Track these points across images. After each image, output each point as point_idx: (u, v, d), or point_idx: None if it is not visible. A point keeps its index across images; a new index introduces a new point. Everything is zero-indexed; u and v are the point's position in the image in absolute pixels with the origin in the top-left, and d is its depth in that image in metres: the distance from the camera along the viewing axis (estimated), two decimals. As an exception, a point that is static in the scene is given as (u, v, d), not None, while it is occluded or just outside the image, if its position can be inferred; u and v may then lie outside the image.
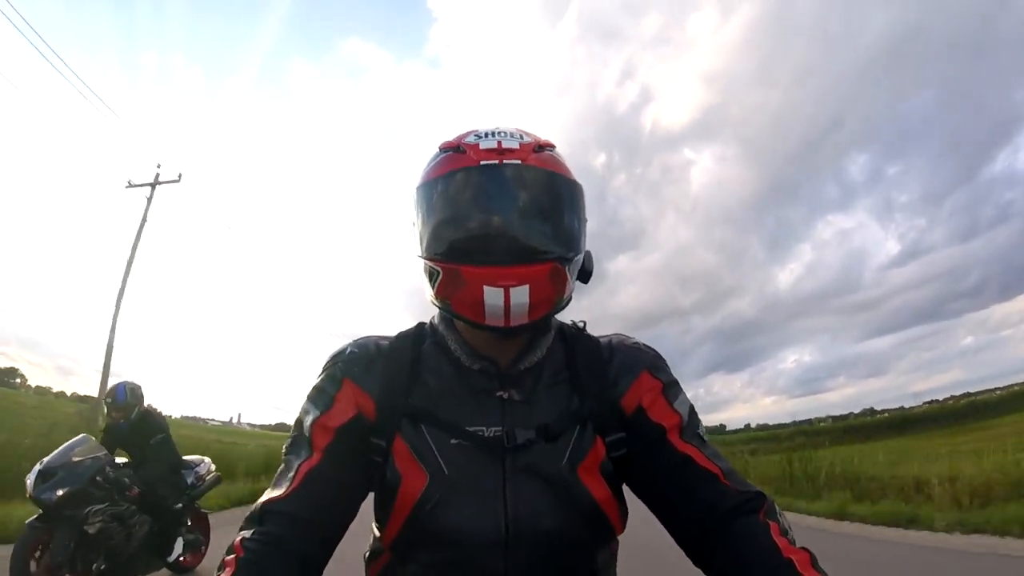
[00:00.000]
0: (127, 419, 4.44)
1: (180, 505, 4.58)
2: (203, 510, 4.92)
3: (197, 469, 4.82)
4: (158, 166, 16.15)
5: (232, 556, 0.68)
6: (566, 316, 0.84)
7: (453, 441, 0.75)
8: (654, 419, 0.78)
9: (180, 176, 16.20)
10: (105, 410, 4.49)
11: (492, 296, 0.71)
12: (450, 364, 0.81)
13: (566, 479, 0.74)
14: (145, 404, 4.57)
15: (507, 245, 0.72)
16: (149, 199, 15.84)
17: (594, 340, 0.85)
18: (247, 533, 0.70)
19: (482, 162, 0.73)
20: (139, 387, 4.54)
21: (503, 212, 0.73)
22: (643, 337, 0.87)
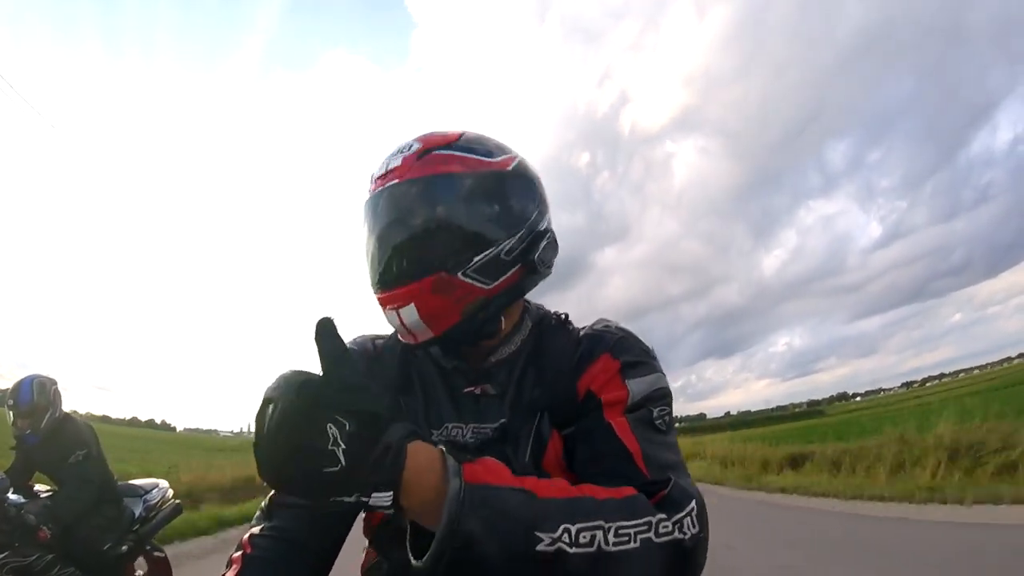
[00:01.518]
0: (36, 429, 3.13)
1: (124, 548, 3.36)
2: (158, 553, 3.67)
3: (147, 497, 3.56)
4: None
5: (239, 553, 0.69)
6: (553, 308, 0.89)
7: (435, 439, 0.76)
8: (597, 394, 0.75)
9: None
10: (10, 417, 3.21)
11: (391, 319, 0.75)
12: (431, 364, 0.83)
13: (529, 475, 0.68)
14: (63, 409, 3.25)
15: (388, 268, 0.74)
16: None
17: (568, 330, 0.85)
18: (256, 529, 0.72)
19: (370, 193, 0.77)
20: (53, 383, 3.22)
21: (381, 237, 0.75)
22: (632, 328, 0.83)
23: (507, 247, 0.74)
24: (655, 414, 0.73)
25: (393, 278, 0.73)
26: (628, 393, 0.73)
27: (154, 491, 3.64)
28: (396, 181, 0.73)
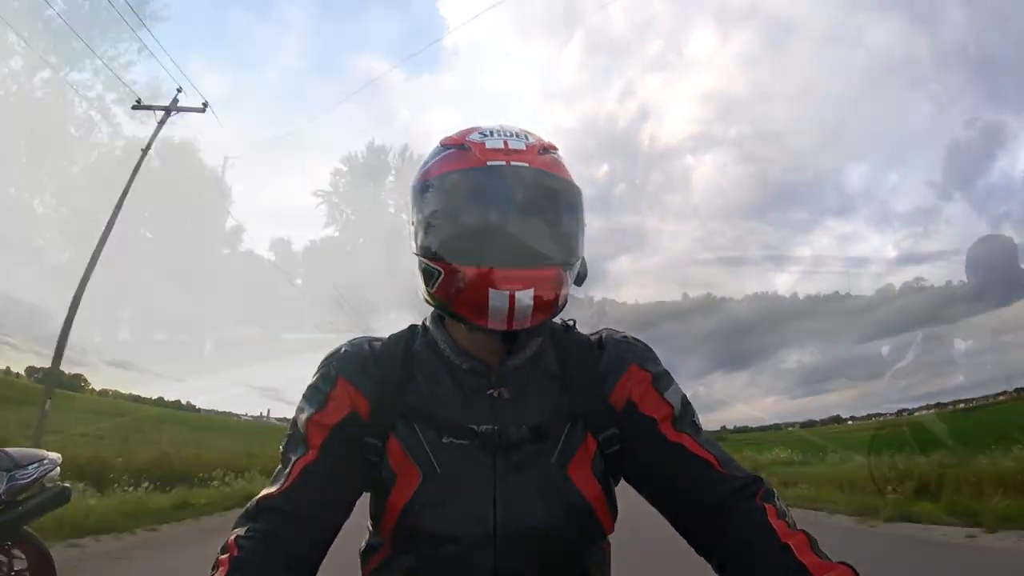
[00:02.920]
0: None
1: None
2: (33, 542, 2.89)
3: (17, 472, 2.77)
4: (178, 89, 13.50)
5: (226, 555, 0.69)
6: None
7: (445, 440, 0.77)
8: (645, 412, 0.79)
9: (205, 105, 13.75)
10: None
11: (497, 299, 0.72)
12: (441, 363, 0.82)
13: (555, 478, 0.76)
14: None
15: (513, 248, 0.73)
16: (160, 123, 13.30)
17: (583, 337, 0.87)
18: (241, 531, 0.72)
19: (489, 162, 0.74)
20: None
21: (510, 214, 0.74)
22: (644, 337, 0.87)
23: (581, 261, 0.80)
24: (695, 419, 0.82)
25: (521, 258, 0.73)
26: (672, 408, 0.80)
27: (31, 466, 2.86)
28: (527, 164, 0.74)
